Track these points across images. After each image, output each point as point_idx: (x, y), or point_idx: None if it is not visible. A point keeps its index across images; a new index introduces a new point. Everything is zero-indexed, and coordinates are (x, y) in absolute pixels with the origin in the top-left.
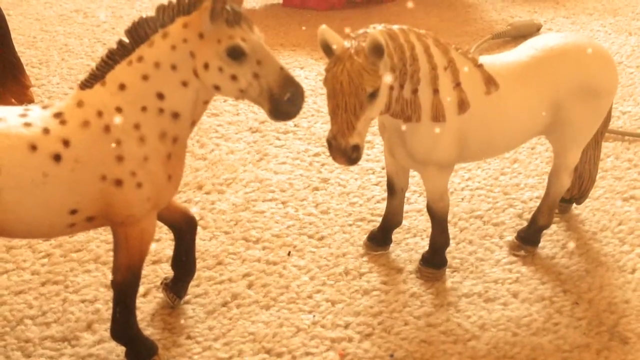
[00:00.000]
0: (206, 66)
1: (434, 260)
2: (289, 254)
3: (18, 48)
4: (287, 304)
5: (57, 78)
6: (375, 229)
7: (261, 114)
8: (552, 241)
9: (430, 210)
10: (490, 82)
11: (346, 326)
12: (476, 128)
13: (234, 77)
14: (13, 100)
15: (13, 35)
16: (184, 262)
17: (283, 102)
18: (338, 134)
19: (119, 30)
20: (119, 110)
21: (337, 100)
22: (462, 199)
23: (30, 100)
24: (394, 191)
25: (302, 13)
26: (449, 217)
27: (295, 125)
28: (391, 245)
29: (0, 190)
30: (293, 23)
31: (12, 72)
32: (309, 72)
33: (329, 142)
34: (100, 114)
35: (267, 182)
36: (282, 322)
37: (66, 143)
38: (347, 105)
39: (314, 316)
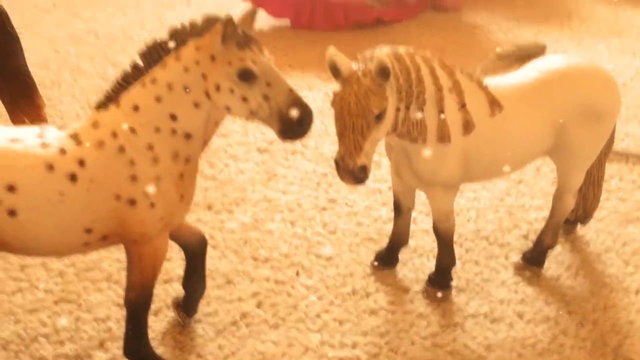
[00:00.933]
0: (218, 88)
1: (440, 281)
2: (297, 273)
3: (30, 68)
4: (296, 324)
5: (69, 98)
6: (382, 249)
7: (269, 134)
8: (556, 262)
9: (436, 230)
10: (494, 103)
11: (354, 346)
12: (481, 149)
13: (244, 99)
14: (26, 119)
15: (25, 55)
16: (194, 281)
17: (292, 123)
18: (346, 155)
19: (130, 51)
20: (132, 131)
21: (344, 122)
22: (468, 219)
23: (43, 120)
24: (401, 211)
25: (310, 35)
26: (455, 238)
27: (303, 146)
28: (398, 264)
29: (17, 210)
30: (301, 44)
31: (25, 92)
32: (316, 93)
33: (336, 162)
34: (114, 134)
35: (275, 202)
36: (291, 342)
37: (82, 163)
38: (354, 126)
39: (322, 336)
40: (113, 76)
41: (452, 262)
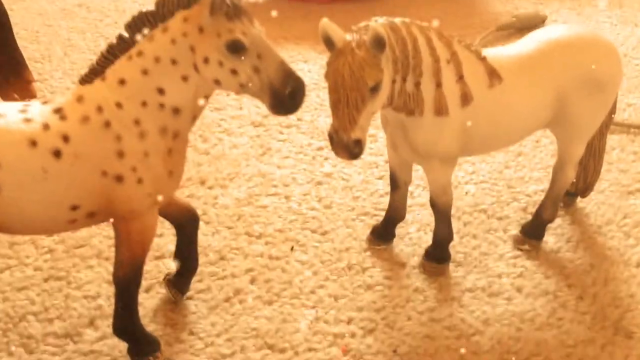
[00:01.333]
0: (206, 60)
1: (438, 255)
2: (292, 249)
3: (20, 43)
4: (290, 299)
5: (59, 73)
6: (378, 224)
7: (264, 108)
8: (556, 235)
9: (433, 204)
10: (493, 75)
11: (349, 321)
12: (479, 121)
13: (234, 71)
14: (15, 95)
15: (15, 29)
16: (186, 257)
17: (284, 96)
18: (340, 129)
19: (122, 24)
20: (119, 105)
21: (338, 94)
22: (466, 193)
23: (33, 96)
24: (397, 185)
25: (305, 6)
26: (453, 211)
27: (298, 119)
28: (394, 239)
29: (0, 186)
30: (297, 16)
31: (14, 67)
32: (312, 66)
33: (330, 136)
34: (100, 109)
35: (270, 177)
36: (285, 318)
37: (66, 139)
38: (348, 99)
39: (316, 311)
40: None
41: (450, 236)
